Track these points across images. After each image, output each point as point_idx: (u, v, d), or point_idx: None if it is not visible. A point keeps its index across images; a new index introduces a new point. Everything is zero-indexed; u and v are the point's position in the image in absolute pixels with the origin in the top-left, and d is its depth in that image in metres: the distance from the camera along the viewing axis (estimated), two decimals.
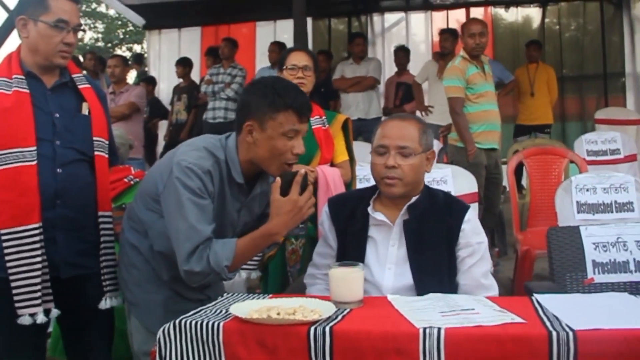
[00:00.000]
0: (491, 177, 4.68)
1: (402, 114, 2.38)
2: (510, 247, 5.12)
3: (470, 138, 4.59)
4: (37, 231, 2.18)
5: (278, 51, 7.22)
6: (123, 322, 2.50)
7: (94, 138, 2.37)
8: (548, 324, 1.59)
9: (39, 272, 2.19)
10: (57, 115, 2.31)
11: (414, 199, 2.23)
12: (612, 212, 3.46)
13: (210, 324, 1.69)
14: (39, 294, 2.19)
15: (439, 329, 1.55)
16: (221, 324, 1.68)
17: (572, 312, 1.67)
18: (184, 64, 7.95)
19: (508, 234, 5.22)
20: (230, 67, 7.07)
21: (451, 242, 2.20)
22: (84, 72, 2.74)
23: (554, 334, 1.51)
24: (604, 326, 1.53)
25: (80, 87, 2.41)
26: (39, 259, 2.19)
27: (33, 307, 2.19)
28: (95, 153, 2.37)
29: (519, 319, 1.62)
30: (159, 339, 1.74)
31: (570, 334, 1.51)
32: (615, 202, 3.48)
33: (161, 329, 1.74)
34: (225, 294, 2.09)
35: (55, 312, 2.27)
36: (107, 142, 2.44)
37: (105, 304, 2.37)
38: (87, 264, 2.35)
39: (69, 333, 2.46)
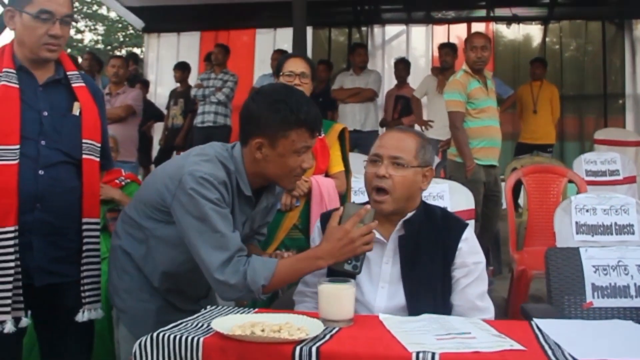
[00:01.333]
0: (490, 195, 4.61)
1: (404, 127, 2.33)
2: (505, 266, 5.04)
3: (469, 154, 4.51)
4: (12, 235, 2.07)
5: None
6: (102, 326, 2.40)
7: (84, 140, 2.25)
8: (550, 352, 1.50)
9: (10, 278, 2.07)
10: (46, 113, 2.19)
11: (409, 214, 2.13)
12: (612, 234, 3.40)
13: (189, 338, 1.59)
14: (9, 301, 2.07)
15: (433, 353, 1.46)
16: (201, 340, 1.58)
17: (575, 340, 1.58)
18: (182, 69, 7.92)
19: (503, 252, 5.14)
20: (222, 72, 7.06)
21: (447, 261, 2.10)
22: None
23: None
24: (609, 357, 1.44)
25: (74, 85, 2.29)
26: (12, 264, 2.07)
27: (2, 315, 2.07)
28: (84, 156, 2.25)
29: (518, 346, 1.53)
30: (135, 353, 1.64)
31: None
32: (616, 224, 3.41)
33: (137, 342, 1.64)
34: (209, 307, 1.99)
35: (25, 322, 2.15)
36: (98, 145, 2.31)
37: (82, 316, 2.25)
38: (65, 272, 2.23)
39: (45, 343, 2.34)
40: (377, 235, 2.11)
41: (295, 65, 3.00)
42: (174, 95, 7.81)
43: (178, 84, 7.91)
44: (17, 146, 2.10)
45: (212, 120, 6.86)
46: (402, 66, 7.34)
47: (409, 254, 2.10)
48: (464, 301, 2.09)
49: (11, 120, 2.11)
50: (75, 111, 2.27)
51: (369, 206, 1.97)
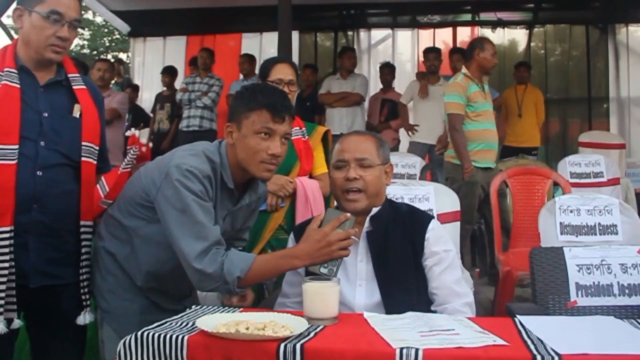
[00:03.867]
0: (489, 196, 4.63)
1: (359, 130, 2.54)
2: (492, 268, 5.04)
3: (467, 156, 4.59)
4: (7, 235, 2.06)
5: (249, 62, 7.23)
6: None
7: (83, 143, 2.25)
8: (532, 347, 1.51)
9: (4, 279, 2.06)
10: (46, 114, 2.18)
11: (375, 210, 2.19)
12: (595, 234, 3.41)
13: (174, 337, 1.59)
14: (2, 301, 2.06)
15: (417, 349, 1.46)
16: (185, 338, 1.58)
17: (557, 335, 1.59)
18: (170, 73, 7.89)
19: (489, 254, 5.15)
20: (207, 76, 7.05)
21: (417, 254, 2.16)
22: None
23: (539, 358, 1.43)
24: (591, 351, 1.45)
25: (75, 87, 2.28)
26: (6, 264, 2.06)
27: None
28: (83, 159, 2.24)
29: (501, 341, 1.53)
30: (119, 352, 1.63)
31: (556, 358, 1.42)
32: (599, 224, 3.43)
33: (122, 342, 1.63)
34: (195, 306, 1.99)
35: (17, 323, 2.13)
36: (97, 148, 2.31)
37: (84, 319, 2.25)
38: (60, 274, 2.22)
39: (37, 345, 2.32)
40: None
41: (284, 73, 2.97)
42: (160, 99, 7.76)
43: (164, 88, 7.88)
44: (16, 146, 2.10)
45: (197, 124, 6.85)
46: (388, 70, 7.37)
47: (378, 249, 2.16)
48: (442, 288, 2.14)
49: (11, 120, 2.10)
50: (76, 113, 2.26)
51: (349, 214, 2.01)
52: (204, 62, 7.13)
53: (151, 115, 7.91)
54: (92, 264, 2.28)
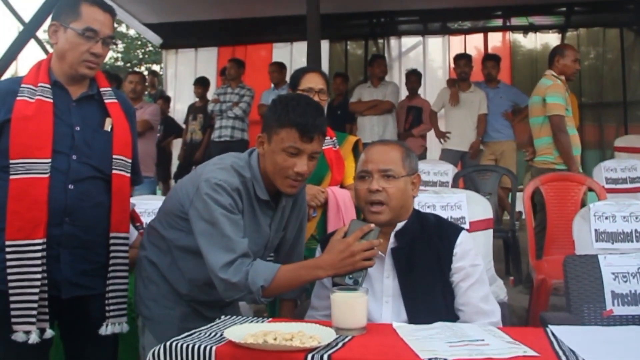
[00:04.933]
0: None
1: (386, 139, 2.46)
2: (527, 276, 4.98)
3: (574, 158, 4.59)
4: (40, 247, 2.11)
5: (279, 71, 7.26)
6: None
7: (114, 156, 2.29)
8: (564, 358, 1.48)
9: (37, 290, 2.10)
10: (78, 128, 2.24)
11: (400, 224, 2.15)
12: (632, 241, 3.34)
13: (202, 347, 1.60)
14: (35, 312, 2.11)
15: None
16: (214, 348, 1.59)
17: (590, 346, 1.56)
18: (203, 84, 7.98)
19: (523, 262, 5.08)
20: (239, 87, 7.11)
21: (444, 270, 2.11)
22: None
23: None
24: None
25: (106, 101, 2.34)
26: (38, 275, 2.10)
27: (28, 325, 2.10)
28: (114, 172, 2.29)
29: (531, 352, 1.51)
30: None
31: None
32: (636, 231, 3.36)
33: (151, 352, 1.65)
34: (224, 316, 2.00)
35: (49, 333, 2.17)
36: (129, 161, 2.35)
37: (105, 329, 2.27)
38: (92, 285, 2.27)
39: (70, 354, 2.37)
40: None
41: (314, 82, 2.98)
42: (192, 110, 7.85)
43: (197, 99, 7.97)
44: (49, 160, 2.15)
45: (229, 134, 6.90)
46: (414, 78, 7.31)
47: (404, 266, 2.11)
48: (468, 305, 2.09)
49: (44, 135, 2.16)
50: (107, 127, 2.32)
51: (372, 225, 1.98)
52: (229, 72, 7.20)
53: (183, 126, 8.01)
54: (135, 274, 2.34)
